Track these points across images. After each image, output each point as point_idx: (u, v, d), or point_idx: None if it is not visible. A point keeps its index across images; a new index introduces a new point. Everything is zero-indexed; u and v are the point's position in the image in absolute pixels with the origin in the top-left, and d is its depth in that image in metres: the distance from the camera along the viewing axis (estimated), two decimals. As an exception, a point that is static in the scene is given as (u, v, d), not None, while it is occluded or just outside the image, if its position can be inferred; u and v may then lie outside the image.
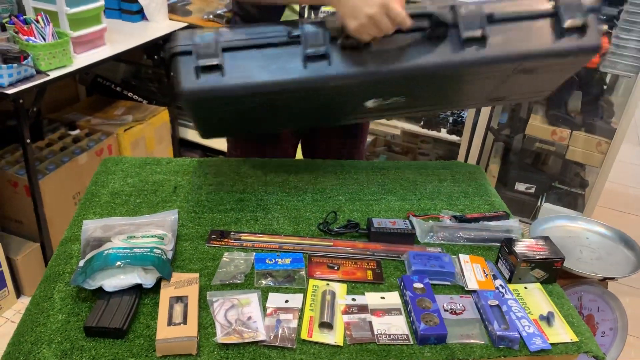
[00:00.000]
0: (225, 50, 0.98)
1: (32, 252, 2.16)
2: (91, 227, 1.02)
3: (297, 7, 1.18)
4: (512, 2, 1.04)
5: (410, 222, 1.11)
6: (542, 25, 1.04)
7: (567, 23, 1.03)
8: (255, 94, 0.99)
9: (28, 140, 1.91)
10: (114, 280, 0.88)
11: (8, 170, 2.12)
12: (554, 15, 1.04)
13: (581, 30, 1.04)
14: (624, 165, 3.32)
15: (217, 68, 0.97)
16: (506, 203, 1.25)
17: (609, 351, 1.34)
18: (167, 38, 2.85)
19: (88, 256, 0.92)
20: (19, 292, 2.17)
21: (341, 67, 0.98)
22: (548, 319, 0.92)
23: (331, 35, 0.99)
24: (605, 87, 2.53)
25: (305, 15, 1.19)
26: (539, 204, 2.47)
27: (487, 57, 1.02)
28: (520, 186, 2.51)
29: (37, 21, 1.86)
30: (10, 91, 1.73)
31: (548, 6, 1.04)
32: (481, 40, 1.00)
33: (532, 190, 2.50)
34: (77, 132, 2.49)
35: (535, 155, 2.59)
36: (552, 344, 0.87)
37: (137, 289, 0.89)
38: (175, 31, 1.02)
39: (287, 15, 1.20)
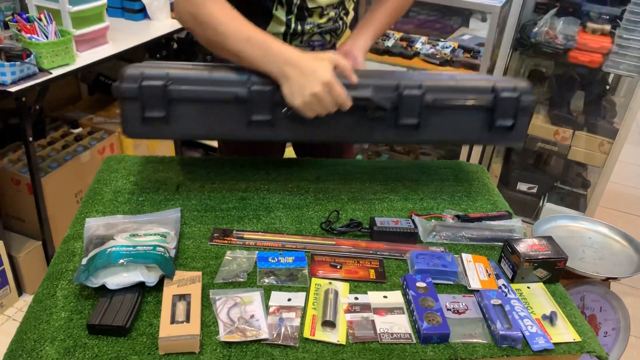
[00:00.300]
0: (172, 96, 1.01)
1: (34, 250, 2.16)
2: (94, 225, 1.02)
3: (283, 18, 1.20)
4: (456, 82, 1.11)
5: (413, 221, 1.11)
6: (476, 118, 1.12)
7: (498, 122, 1.11)
8: (198, 138, 1.03)
9: (30, 139, 1.92)
10: (117, 278, 0.88)
11: (10, 169, 2.13)
12: (489, 110, 1.11)
13: (510, 128, 1.13)
14: (626, 166, 3.32)
15: (162, 119, 1.01)
16: (508, 203, 1.24)
17: (611, 351, 1.34)
18: (170, 37, 2.86)
19: (91, 254, 0.92)
20: (20, 290, 2.18)
21: (282, 132, 1.05)
22: (551, 318, 0.92)
23: (277, 101, 1.02)
24: (607, 87, 2.53)
25: (292, 27, 1.21)
26: (541, 204, 2.47)
27: (419, 139, 1.12)
28: (522, 186, 2.51)
29: (40, 19, 1.87)
30: (13, 89, 1.73)
31: (488, 97, 1.10)
32: (416, 126, 1.09)
33: (534, 190, 2.50)
34: (79, 130, 2.50)
35: (537, 156, 2.59)
36: (554, 344, 0.87)
37: (139, 287, 0.89)
38: (124, 68, 1.02)
39: (273, 25, 1.22)
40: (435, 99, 1.07)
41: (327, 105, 1.00)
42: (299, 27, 1.22)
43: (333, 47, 1.34)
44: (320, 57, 1.01)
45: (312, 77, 0.98)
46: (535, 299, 0.97)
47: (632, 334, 1.37)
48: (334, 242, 1.06)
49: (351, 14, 1.33)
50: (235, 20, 1.05)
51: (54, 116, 2.60)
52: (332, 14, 1.25)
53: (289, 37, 1.24)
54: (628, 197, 3.11)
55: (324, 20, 1.24)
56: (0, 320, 2.07)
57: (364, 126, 1.07)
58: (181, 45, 3.07)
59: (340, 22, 1.29)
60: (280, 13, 1.20)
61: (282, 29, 1.22)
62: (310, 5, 1.20)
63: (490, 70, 2.32)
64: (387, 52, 2.49)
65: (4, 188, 2.16)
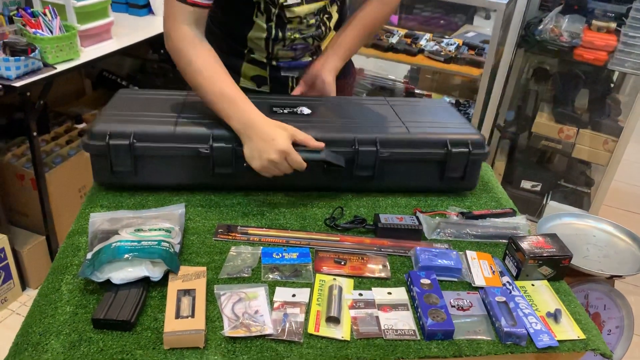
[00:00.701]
0: (138, 152, 1.08)
1: (38, 245, 2.17)
2: (98, 219, 1.03)
3: (263, 25, 1.23)
4: (410, 136, 1.16)
5: (417, 218, 1.11)
6: (428, 169, 1.19)
7: (448, 174, 1.19)
8: (166, 187, 1.16)
9: (35, 134, 1.92)
10: (122, 273, 0.88)
11: (14, 164, 2.13)
12: (441, 162, 1.17)
13: (462, 177, 1.19)
14: (630, 164, 3.30)
15: (130, 172, 1.10)
16: (512, 201, 1.24)
17: (614, 349, 1.34)
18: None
19: (96, 249, 0.92)
20: (24, 285, 2.18)
21: (244, 181, 1.13)
22: (555, 316, 0.92)
23: (238, 156, 1.09)
24: (612, 85, 2.52)
25: (273, 33, 1.24)
26: (544, 202, 2.46)
27: (373, 188, 1.20)
28: (526, 184, 2.51)
29: (45, 14, 1.87)
30: (18, 84, 1.73)
31: (440, 152, 1.16)
32: (371, 177, 1.16)
33: (538, 189, 2.50)
34: (83, 125, 2.50)
35: (541, 153, 2.59)
36: (559, 341, 0.87)
37: (144, 281, 0.89)
38: (92, 124, 1.10)
39: (255, 30, 1.25)
40: (390, 154, 1.14)
41: (283, 169, 1.06)
42: (280, 34, 1.24)
43: (317, 49, 1.34)
44: (283, 127, 1.06)
45: (271, 144, 1.03)
46: (540, 296, 0.97)
47: (636, 333, 1.37)
48: (338, 239, 1.06)
49: (335, 16, 1.33)
50: (211, 69, 1.10)
51: (58, 111, 2.60)
52: (312, 21, 1.26)
53: (270, 42, 1.26)
54: (632, 196, 3.10)
55: (304, 27, 1.26)
56: (4, 314, 2.08)
57: (322, 177, 1.14)
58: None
59: (323, 28, 1.29)
60: (260, 20, 1.23)
61: (264, 34, 1.25)
62: (288, 15, 1.21)
63: (495, 68, 2.31)
64: (392, 48, 2.49)
65: (8, 183, 2.17)
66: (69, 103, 2.70)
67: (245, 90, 1.33)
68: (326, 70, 1.28)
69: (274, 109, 1.21)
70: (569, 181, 2.56)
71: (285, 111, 1.20)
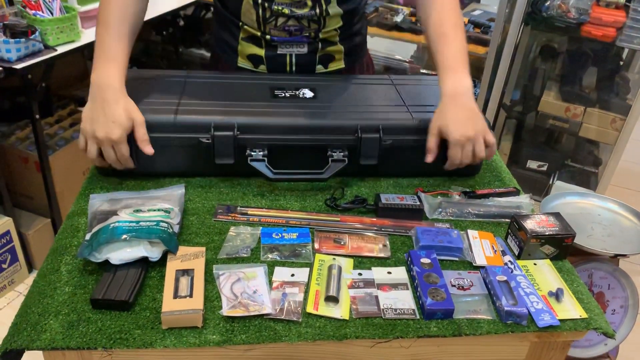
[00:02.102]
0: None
1: (44, 227, 2.18)
2: (98, 200, 1.02)
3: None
4: (413, 121, 1.14)
5: (419, 197, 1.09)
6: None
7: None
8: (166, 176, 1.14)
9: (37, 116, 1.92)
10: (121, 254, 0.88)
11: (18, 147, 2.14)
12: (445, 147, 1.12)
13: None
14: (636, 143, 3.26)
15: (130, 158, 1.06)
16: (518, 181, 1.23)
17: (618, 329, 1.33)
18: (176, 14, 2.83)
19: (94, 229, 0.92)
20: (30, 267, 2.20)
21: (247, 168, 1.08)
22: (557, 295, 0.91)
23: (240, 145, 1.08)
24: (621, 62, 2.48)
25: (260, 4, 1.19)
26: (550, 182, 2.44)
27: (378, 174, 1.18)
28: (532, 164, 2.48)
29: (45, -5, 1.85)
30: (19, 66, 1.72)
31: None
32: (375, 166, 1.14)
33: (544, 168, 2.48)
34: (86, 108, 2.49)
35: (549, 133, 2.56)
36: (560, 320, 0.86)
37: (143, 262, 0.89)
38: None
39: (245, 7, 1.21)
40: (393, 141, 1.12)
41: (106, 153, 1.02)
42: (267, 5, 1.19)
43: (316, 36, 1.26)
44: (130, 115, 1.02)
45: (106, 125, 0.99)
46: (542, 275, 0.96)
47: (641, 312, 1.36)
48: (338, 219, 1.05)
49: (333, 5, 1.22)
50: (118, 20, 1.07)
51: (62, 94, 2.60)
52: None
53: (261, 20, 1.22)
54: (638, 175, 3.07)
55: (289, 0, 1.18)
56: (12, 296, 2.10)
57: (328, 166, 1.11)
58: (188, 22, 3.05)
59: (318, 9, 1.21)
60: None
61: (254, 12, 1.21)
62: None
63: (501, 46, 2.28)
64: (396, 27, 2.45)
65: (12, 166, 2.17)
66: (73, 86, 2.69)
67: (244, 70, 1.32)
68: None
69: (276, 92, 1.19)
70: (576, 161, 2.53)
71: (287, 94, 1.19)
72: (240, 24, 1.26)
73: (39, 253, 2.18)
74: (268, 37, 1.25)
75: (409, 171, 1.19)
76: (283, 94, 1.19)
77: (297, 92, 1.20)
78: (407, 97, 1.23)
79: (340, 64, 1.34)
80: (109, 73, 1.04)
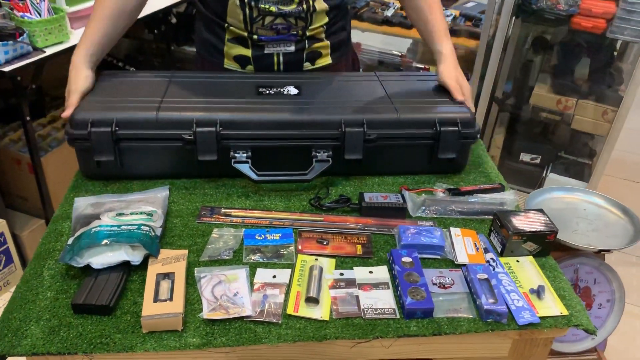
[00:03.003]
0: (120, 140, 1.07)
1: (38, 228, 2.19)
2: (82, 204, 1.03)
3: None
4: (398, 116, 1.14)
5: (402, 196, 1.10)
6: (418, 151, 1.17)
7: (440, 155, 1.16)
8: (152, 178, 1.14)
9: (28, 118, 1.92)
10: (102, 258, 0.88)
11: (11, 148, 2.14)
12: (431, 144, 1.15)
13: (451, 159, 1.17)
14: (633, 133, 3.25)
15: (114, 162, 1.08)
16: (511, 174, 1.24)
17: (606, 323, 1.33)
18: (168, 11, 2.83)
19: (77, 234, 0.92)
20: (25, 268, 2.21)
21: (230, 170, 1.08)
22: (538, 292, 0.91)
23: (222, 143, 1.08)
24: (615, 53, 2.47)
25: (246, 3, 1.19)
26: (544, 174, 2.44)
27: (363, 170, 1.18)
28: (526, 157, 2.48)
29: (32, -3, 1.85)
30: (7, 69, 1.72)
31: (429, 131, 1.14)
32: (359, 161, 1.13)
33: (538, 161, 2.47)
34: (79, 108, 2.49)
35: (544, 126, 2.56)
36: (541, 318, 0.87)
37: (125, 266, 0.89)
38: (74, 112, 1.08)
39: (231, 7, 1.20)
40: (378, 135, 1.12)
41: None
42: (253, 4, 1.18)
43: (303, 34, 1.25)
44: (81, 86, 1.14)
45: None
46: (524, 272, 0.96)
47: (629, 302, 1.36)
48: (321, 219, 1.05)
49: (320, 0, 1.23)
50: (102, 12, 1.18)
51: (54, 95, 2.59)
52: None
53: (248, 20, 1.21)
54: (635, 165, 3.06)
55: None
56: (7, 297, 2.11)
57: (312, 167, 1.11)
58: (180, 20, 3.04)
59: (305, 6, 1.21)
60: None
61: (240, 12, 1.20)
62: None
63: (492, 39, 2.27)
64: (387, 22, 2.44)
65: (5, 167, 2.18)
66: (65, 86, 2.69)
67: (230, 71, 1.32)
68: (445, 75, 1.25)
69: (260, 89, 1.19)
70: (569, 153, 2.53)
71: (272, 92, 1.18)
72: (226, 25, 1.26)
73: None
74: (255, 37, 1.24)
75: (395, 168, 1.19)
76: (267, 92, 1.19)
77: (282, 90, 1.20)
78: (393, 92, 1.23)
79: (327, 60, 1.34)
80: (75, 52, 1.18)
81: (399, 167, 1.19)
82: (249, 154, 1.09)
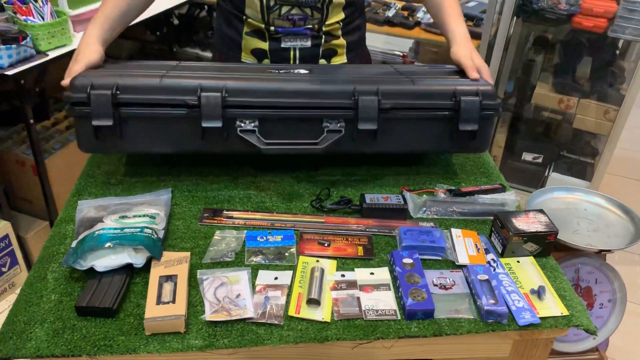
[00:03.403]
0: (120, 105, 1.01)
1: (42, 230, 2.20)
2: (85, 207, 1.04)
3: None
4: (415, 87, 1.08)
5: (403, 197, 1.10)
6: (437, 125, 1.10)
7: (462, 128, 1.09)
8: (153, 151, 1.08)
9: (32, 120, 1.93)
10: (105, 261, 0.89)
11: (15, 151, 2.15)
12: (451, 117, 1.09)
13: (473, 135, 1.11)
14: (635, 131, 3.25)
15: (113, 132, 1.02)
16: (513, 174, 1.24)
17: (607, 323, 1.34)
18: (170, 13, 2.84)
19: (80, 237, 0.93)
20: (30, 269, 2.22)
21: (237, 144, 1.04)
22: (539, 292, 0.92)
23: (227, 109, 1.03)
24: (617, 52, 2.46)
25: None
26: (546, 174, 2.44)
27: (378, 149, 1.11)
28: (528, 156, 2.48)
29: (36, 0, 1.86)
30: (10, 72, 1.74)
31: (449, 102, 1.08)
32: (374, 134, 1.07)
33: (540, 160, 2.47)
34: (82, 110, 2.51)
35: (546, 124, 2.56)
36: (541, 318, 0.87)
37: (128, 268, 0.90)
38: (74, 78, 1.04)
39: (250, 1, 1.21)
40: (393, 104, 1.06)
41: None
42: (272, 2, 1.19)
43: (321, 25, 1.26)
44: (88, 58, 1.10)
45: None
46: (525, 273, 0.96)
47: (631, 300, 1.36)
48: (323, 220, 1.06)
49: None
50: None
51: (58, 97, 2.61)
52: None
53: (265, 10, 1.22)
54: (637, 163, 3.06)
55: None
56: (12, 298, 2.12)
57: (324, 136, 1.06)
58: (182, 21, 3.06)
59: None
60: None
61: (257, 2, 1.21)
62: None
63: (493, 39, 2.27)
64: (388, 22, 2.45)
65: (10, 170, 2.19)
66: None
67: (247, 64, 1.32)
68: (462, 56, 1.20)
69: (269, 70, 1.15)
70: (571, 152, 2.53)
71: (281, 71, 1.14)
72: (244, 17, 1.27)
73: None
74: (272, 28, 1.25)
75: (412, 146, 1.12)
76: (277, 71, 1.14)
77: (291, 70, 1.16)
78: (407, 72, 1.18)
79: (343, 59, 1.35)
80: (90, 26, 1.17)
81: (417, 143, 1.11)
82: (256, 123, 1.04)
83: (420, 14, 2.51)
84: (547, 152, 2.47)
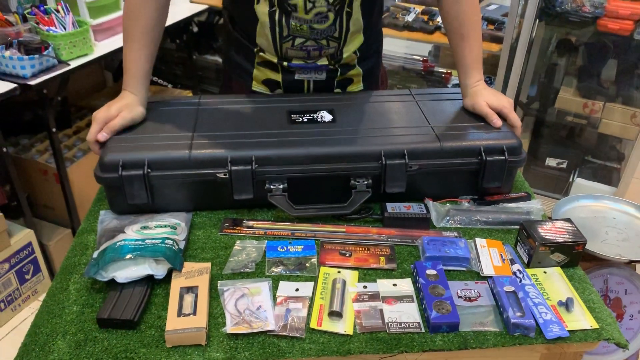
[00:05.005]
0: (152, 186, 1.03)
1: (64, 238, 2.22)
2: (107, 217, 1.04)
3: (266, 11, 1.14)
4: (440, 145, 1.08)
5: (426, 206, 1.08)
6: (463, 178, 1.11)
7: (485, 184, 1.10)
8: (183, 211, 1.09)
9: (54, 129, 1.96)
10: (126, 272, 0.89)
11: (38, 159, 2.18)
12: (475, 172, 1.10)
13: (497, 187, 1.12)
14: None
15: (145, 199, 1.03)
16: (537, 179, 1.21)
17: (638, 334, 1.30)
18: (189, 21, 2.86)
19: (102, 247, 0.93)
20: (53, 277, 2.25)
21: (266, 201, 1.04)
22: (567, 305, 0.89)
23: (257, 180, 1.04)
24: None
25: (276, 20, 1.14)
26: (571, 179, 2.39)
27: (403, 197, 1.11)
28: (552, 161, 2.43)
29: (58, 11, 1.88)
30: (33, 82, 1.76)
31: (474, 159, 1.09)
32: (402, 193, 1.09)
33: (564, 166, 2.43)
34: (103, 118, 2.53)
35: (570, 129, 2.51)
36: (570, 331, 0.85)
37: (149, 279, 0.90)
38: (103, 153, 1.04)
39: (260, 26, 1.16)
40: (420, 167, 1.07)
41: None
42: (284, 23, 1.14)
43: (338, 58, 1.22)
44: (117, 106, 1.10)
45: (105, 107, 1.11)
46: (552, 284, 0.94)
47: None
48: (344, 230, 1.05)
49: (356, 16, 1.17)
50: (141, 38, 1.13)
51: (80, 105, 2.64)
52: (322, 9, 1.12)
53: (277, 38, 1.17)
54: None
55: (311, 16, 1.13)
56: (35, 306, 2.14)
57: (352, 199, 1.05)
58: (201, 29, 3.07)
59: (339, 27, 1.16)
60: (263, 7, 1.13)
61: (269, 31, 1.16)
62: None
63: (515, 43, 2.24)
64: (408, 27, 2.43)
65: (33, 178, 2.22)
66: (90, 96, 2.73)
67: (258, 94, 1.28)
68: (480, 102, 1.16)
69: (292, 116, 1.14)
70: (597, 157, 2.48)
71: (305, 119, 1.13)
72: (256, 50, 1.23)
73: (61, 263, 2.22)
74: (285, 63, 1.21)
75: (437, 197, 1.13)
76: (300, 119, 1.14)
77: (315, 116, 1.15)
78: (430, 114, 1.17)
79: (359, 86, 1.31)
80: (125, 81, 1.15)
81: (440, 192, 1.13)
82: (285, 185, 1.04)
83: (440, 19, 2.49)
84: (572, 157, 2.42)
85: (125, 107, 1.10)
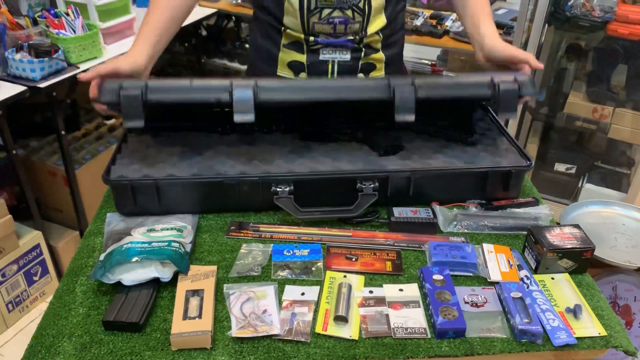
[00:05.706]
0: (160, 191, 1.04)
1: (72, 240, 2.23)
2: (114, 220, 1.04)
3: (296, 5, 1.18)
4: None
5: (433, 210, 1.08)
6: (469, 183, 1.11)
7: (492, 191, 1.12)
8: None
9: (63, 132, 1.97)
10: (132, 275, 0.89)
11: (46, 161, 2.19)
12: (483, 177, 1.10)
13: (505, 190, 1.12)
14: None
15: (152, 200, 1.04)
16: (546, 184, 1.20)
17: (647, 342, 1.28)
18: (198, 24, 2.87)
19: (108, 250, 0.93)
20: (61, 278, 2.26)
21: (272, 205, 1.05)
22: (575, 311, 0.88)
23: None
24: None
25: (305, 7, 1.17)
26: (580, 185, 2.37)
27: (409, 201, 1.11)
28: (560, 167, 2.41)
29: (68, 14, 1.90)
30: (43, 84, 1.77)
31: (487, 92, 1.06)
32: (406, 193, 1.10)
33: (573, 171, 2.41)
34: (112, 121, 2.55)
35: (579, 134, 2.49)
36: (578, 338, 0.84)
37: (155, 282, 0.90)
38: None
39: (288, 2, 1.19)
40: (425, 174, 1.08)
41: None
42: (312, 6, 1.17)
43: (362, 35, 1.24)
44: (123, 63, 1.07)
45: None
46: (560, 290, 0.93)
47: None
48: (350, 234, 1.04)
49: None
50: (151, 14, 1.14)
51: (89, 108, 2.65)
52: None
53: (305, 12, 1.19)
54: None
55: None
56: (43, 307, 2.15)
57: (358, 202, 1.06)
58: (210, 32, 3.09)
59: None
60: None
61: (297, 4, 1.18)
62: None
63: (524, 46, 2.23)
64: (416, 31, 2.42)
65: (42, 180, 2.23)
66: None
67: (282, 78, 1.30)
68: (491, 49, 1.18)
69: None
70: (606, 162, 2.46)
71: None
72: (283, 28, 1.25)
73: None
74: (312, 38, 1.23)
75: (440, 197, 1.12)
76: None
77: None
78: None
79: (381, 73, 1.32)
80: (132, 45, 1.14)
81: (447, 200, 1.12)
82: (291, 187, 1.05)
83: (448, 23, 2.48)
84: (581, 163, 2.40)
85: (120, 58, 1.09)
